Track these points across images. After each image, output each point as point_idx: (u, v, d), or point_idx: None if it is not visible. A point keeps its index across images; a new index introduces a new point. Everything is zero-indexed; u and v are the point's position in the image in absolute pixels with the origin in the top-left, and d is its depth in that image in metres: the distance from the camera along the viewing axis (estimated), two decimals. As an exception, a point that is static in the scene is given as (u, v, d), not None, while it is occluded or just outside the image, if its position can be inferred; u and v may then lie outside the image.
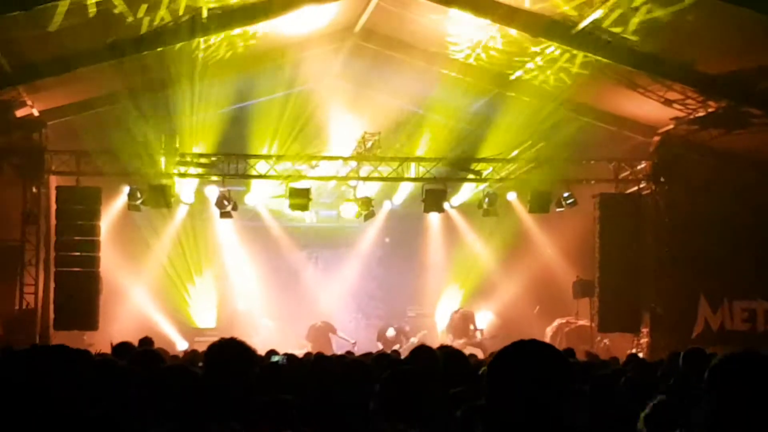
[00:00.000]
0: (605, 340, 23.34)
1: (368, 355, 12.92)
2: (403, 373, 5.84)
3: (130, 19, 17.18)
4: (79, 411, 3.97)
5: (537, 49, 19.85)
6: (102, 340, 18.25)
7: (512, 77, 21.64)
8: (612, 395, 6.98)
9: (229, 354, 5.10)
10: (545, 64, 20.53)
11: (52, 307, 21.79)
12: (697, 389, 4.26)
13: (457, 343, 22.31)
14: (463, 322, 24.43)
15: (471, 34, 20.32)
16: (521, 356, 3.27)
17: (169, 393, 4.58)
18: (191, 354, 14.36)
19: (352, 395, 5.29)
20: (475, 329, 24.25)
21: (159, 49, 19.23)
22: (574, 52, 19.27)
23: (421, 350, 7.88)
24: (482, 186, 23.72)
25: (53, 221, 22.12)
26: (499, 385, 3.23)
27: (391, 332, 24.50)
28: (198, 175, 23.28)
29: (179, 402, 4.55)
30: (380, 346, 22.94)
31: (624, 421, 5.83)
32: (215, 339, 5.29)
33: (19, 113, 20.66)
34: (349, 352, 16.20)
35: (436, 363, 7.45)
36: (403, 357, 10.62)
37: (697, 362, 7.88)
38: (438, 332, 25.40)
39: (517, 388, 3.17)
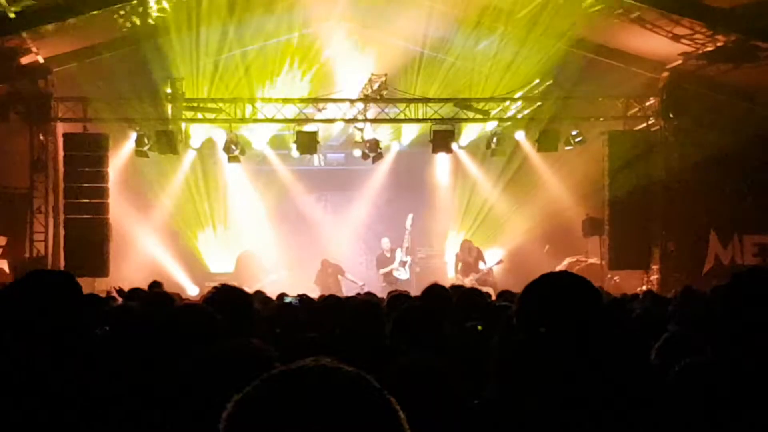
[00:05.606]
0: (615, 278, 23.34)
1: (373, 295, 13.01)
2: (414, 309, 5.84)
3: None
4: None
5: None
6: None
7: (519, 15, 21.49)
8: (626, 329, 6.98)
9: (225, 301, 5.10)
10: (552, 0, 20.38)
11: (62, 254, 21.88)
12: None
13: (467, 282, 22.32)
14: (468, 258, 24.18)
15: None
16: (557, 286, 3.15)
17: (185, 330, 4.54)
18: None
19: (366, 330, 5.29)
20: (485, 263, 24.05)
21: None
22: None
23: (433, 288, 7.91)
24: (490, 125, 23.66)
25: (61, 168, 22.13)
26: (531, 315, 3.08)
27: (386, 243, 24.55)
28: (205, 120, 23.23)
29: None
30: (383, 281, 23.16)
31: (638, 354, 5.82)
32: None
33: (24, 60, 20.57)
34: (358, 294, 16.24)
35: (447, 300, 7.48)
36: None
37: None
38: (448, 273, 25.34)
39: (550, 317, 3.03)
